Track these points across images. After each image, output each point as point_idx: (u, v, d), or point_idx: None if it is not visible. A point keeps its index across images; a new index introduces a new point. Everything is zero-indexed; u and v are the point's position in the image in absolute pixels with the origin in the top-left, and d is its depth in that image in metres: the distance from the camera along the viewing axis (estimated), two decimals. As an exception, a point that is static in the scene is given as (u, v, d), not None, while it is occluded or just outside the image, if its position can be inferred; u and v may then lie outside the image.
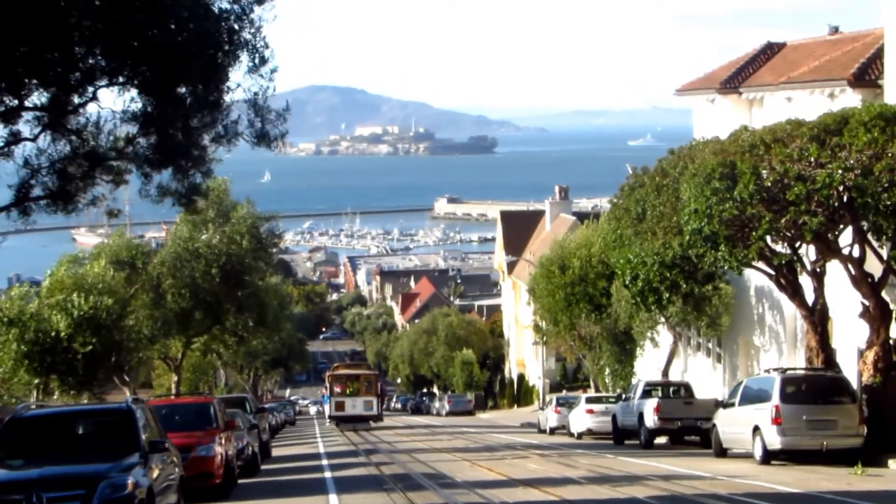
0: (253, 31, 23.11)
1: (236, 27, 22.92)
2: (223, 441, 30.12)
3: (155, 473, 18.56)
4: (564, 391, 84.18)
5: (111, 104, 24.57)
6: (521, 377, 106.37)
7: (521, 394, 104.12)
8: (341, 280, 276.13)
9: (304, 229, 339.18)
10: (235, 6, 22.82)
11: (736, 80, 52.54)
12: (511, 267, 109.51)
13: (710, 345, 55.39)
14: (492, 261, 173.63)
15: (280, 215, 66.67)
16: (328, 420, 76.58)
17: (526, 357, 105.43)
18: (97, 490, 16.97)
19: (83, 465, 17.76)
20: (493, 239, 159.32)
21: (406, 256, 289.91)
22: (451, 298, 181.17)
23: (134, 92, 23.37)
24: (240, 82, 24.31)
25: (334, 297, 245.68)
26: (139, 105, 23.91)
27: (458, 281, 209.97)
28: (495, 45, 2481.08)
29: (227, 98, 23.91)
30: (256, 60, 23.55)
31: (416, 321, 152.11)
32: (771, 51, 54.41)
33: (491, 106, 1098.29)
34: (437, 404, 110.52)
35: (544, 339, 73.07)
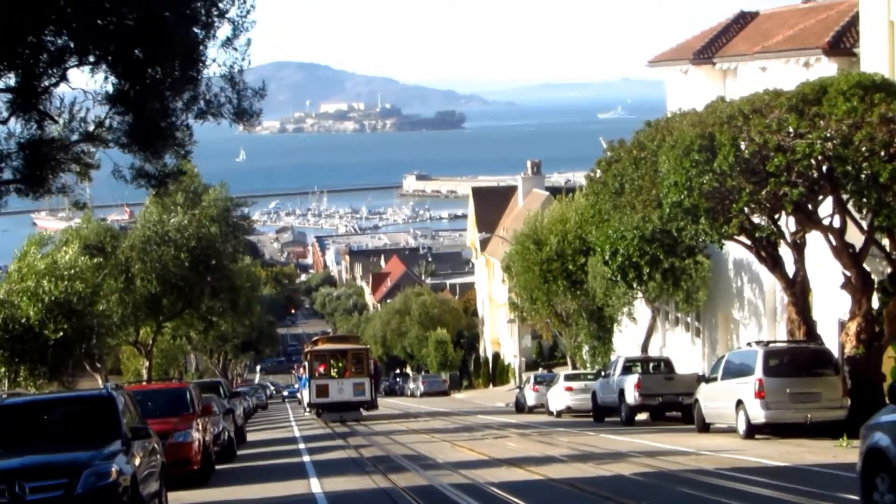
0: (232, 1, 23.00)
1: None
2: (200, 427, 30.22)
3: (137, 460, 18.57)
4: (541, 369, 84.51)
5: (83, 84, 24.49)
6: (497, 356, 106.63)
7: (497, 373, 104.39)
8: (310, 260, 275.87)
9: (270, 209, 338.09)
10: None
11: (709, 50, 52.66)
12: (484, 244, 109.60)
13: (689, 319, 55.68)
14: (463, 238, 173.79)
15: (251, 198, 66.35)
16: (306, 409, 63.70)
17: (501, 335, 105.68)
18: (80, 478, 16.97)
19: (65, 453, 17.75)
20: (464, 216, 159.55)
21: (375, 235, 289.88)
22: (423, 277, 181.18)
23: (106, 72, 23.24)
24: (214, 57, 24.23)
25: (303, 277, 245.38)
26: (111, 85, 23.83)
27: (429, 259, 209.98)
28: (462, 17, 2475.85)
29: (205, 73, 23.79)
30: (236, 30, 23.37)
31: (388, 301, 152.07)
32: (744, 20, 54.54)
33: (458, 80, 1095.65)
34: (411, 385, 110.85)
35: (523, 316, 73.15)
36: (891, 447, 14.78)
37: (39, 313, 41.69)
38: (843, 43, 41.34)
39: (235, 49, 24.20)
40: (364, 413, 58.86)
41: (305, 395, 62.73)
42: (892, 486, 14.74)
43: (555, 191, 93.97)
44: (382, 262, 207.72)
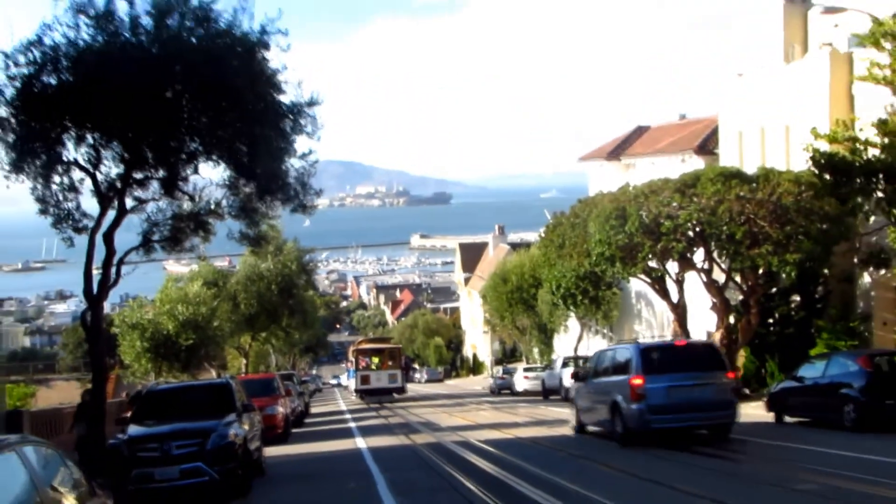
0: (309, 122, 22.98)
1: (300, 120, 22.79)
2: (283, 403, 30.13)
3: (246, 426, 18.37)
4: (505, 364, 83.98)
5: (208, 174, 24.50)
6: (475, 356, 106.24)
7: (475, 367, 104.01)
8: (349, 292, 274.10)
9: (322, 258, 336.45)
10: (295, 106, 22.71)
11: (617, 151, 52.96)
12: (467, 281, 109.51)
13: (605, 330, 55.56)
14: (452, 277, 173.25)
15: (316, 249, 66.11)
16: (354, 394, 57.26)
17: (477, 342, 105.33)
18: (209, 439, 16.82)
19: (198, 422, 17.58)
20: (453, 262, 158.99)
21: (393, 275, 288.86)
22: (425, 303, 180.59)
23: (225, 167, 23.28)
24: (292, 163, 24.20)
25: (344, 304, 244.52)
26: (225, 178, 23.86)
27: (429, 291, 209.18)
28: (453, 131, 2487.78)
29: (285, 173, 23.76)
30: (313, 138, 23.20)
31: (402, 319, 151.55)
32: (641, 131, 54.94)
33: (448, 171, 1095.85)
34: (417, 375, 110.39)
35: (494, 329, 72.97)
36: (571, 390, 22.19)
37: (177, 328, 41.50)
38: (707, 146, 41.61)
39: (305, 162, 24.26)
40: (396, 396, 53.99)
41: (352, 384, 58.40)
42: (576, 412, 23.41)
43: (514, 245, 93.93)
44: (398, 293, 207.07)
